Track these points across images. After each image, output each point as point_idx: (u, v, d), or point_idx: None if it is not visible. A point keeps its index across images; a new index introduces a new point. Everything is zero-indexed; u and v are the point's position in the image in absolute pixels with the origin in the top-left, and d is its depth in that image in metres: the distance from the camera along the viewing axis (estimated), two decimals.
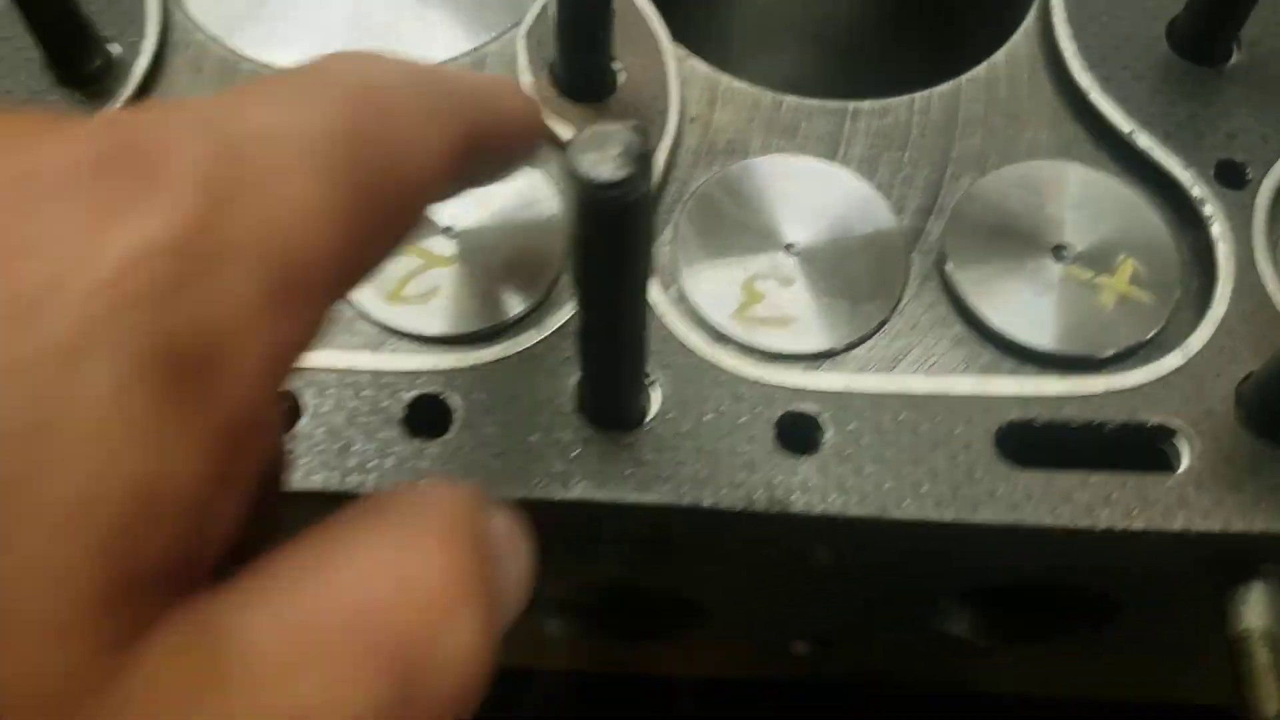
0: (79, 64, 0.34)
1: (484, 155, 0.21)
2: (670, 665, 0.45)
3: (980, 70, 0.36)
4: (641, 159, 0.20)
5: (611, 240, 0.22)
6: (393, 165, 0.17)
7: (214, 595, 0.14)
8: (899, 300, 0.32)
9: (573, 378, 0.30)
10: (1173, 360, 0.30)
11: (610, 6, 0.32)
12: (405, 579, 0.16)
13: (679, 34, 0.36)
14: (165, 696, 0.13)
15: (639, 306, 0.25)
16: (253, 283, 0.14)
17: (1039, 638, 0.36)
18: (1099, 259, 0.32)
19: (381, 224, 0.17)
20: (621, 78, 0.35)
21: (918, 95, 0.35)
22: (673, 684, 0.57)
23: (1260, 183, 0.33)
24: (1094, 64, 0.35)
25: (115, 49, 0.35)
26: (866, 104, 0.35)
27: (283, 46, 0.36)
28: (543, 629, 0.38)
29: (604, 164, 0.20)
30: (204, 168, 0.13)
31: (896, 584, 0.33)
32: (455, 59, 0.36)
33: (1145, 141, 0.33)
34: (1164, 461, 0.30)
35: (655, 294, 0.31)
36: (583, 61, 0.33)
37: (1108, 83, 0.34)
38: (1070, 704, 0.51)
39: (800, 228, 0.33)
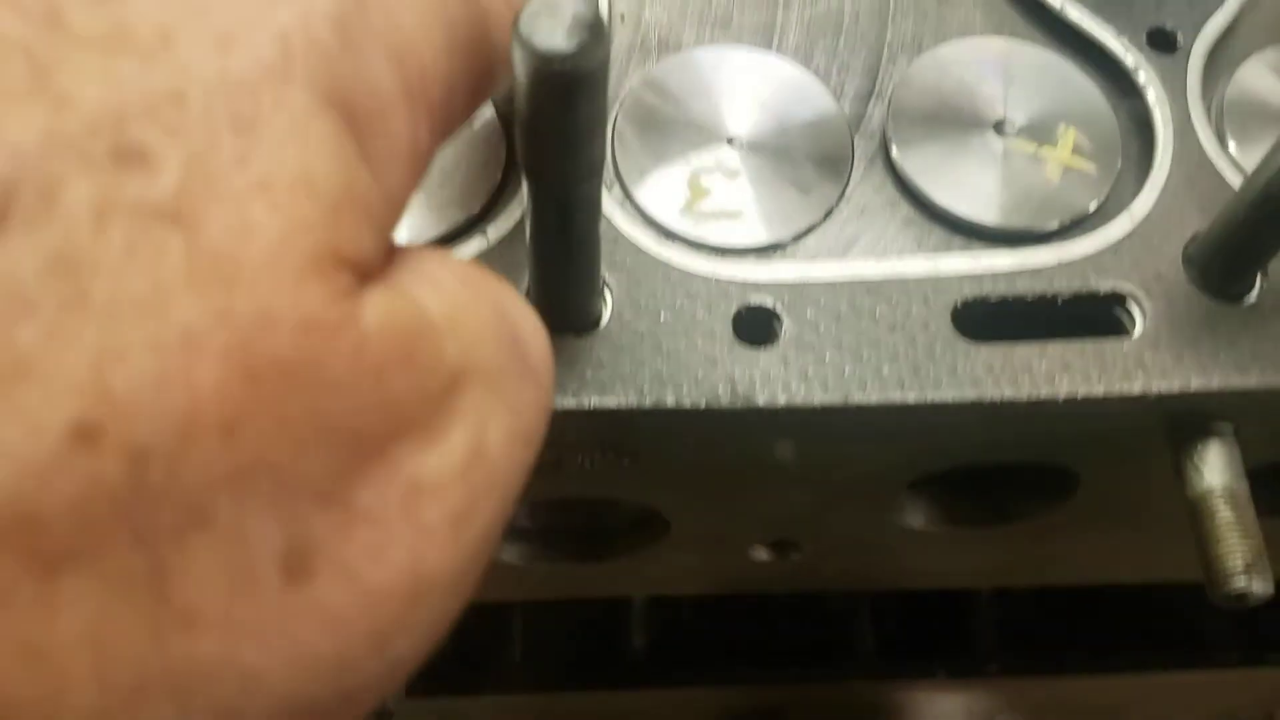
0: None
1: None
2: (628, 586, 0.45)
3: None
4: (595, 26, 0.19)
5: (565, 117, 0.21)
6: (484, 20, 0.20)
7: (395, 279, 0.16)
8: (846, 186, 0.31)
9: (522, 284, 0.29)
10: (1120, 227, 0.30)
11: None
12: (488, 276, 0.19)
13: None
14: (392, 337, 0.15)
15: (594, 192, 0.24)
16: (389, 71, 0.16)
17: (997, 520, 0.36)
18: (1040, 131, 0.32)
19: (475, 71, 0.20)
20: None
21: None
22: (624, 618, 0.57)
23: (1191, 47, 0.33)
24: None
25: None
26: None
27: None
28: (499, 556, 0.37)
29: (557, 33, 0.19)
30: None
31: (859, 474, 0.33)
32: None
33: (1076, 14, 0.33)
34: (1119, 327, 0.30)
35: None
36: None
37: None
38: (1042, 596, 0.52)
39: (741, 120, 0.32)
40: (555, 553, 0.38)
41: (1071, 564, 0.41)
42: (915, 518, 0.36)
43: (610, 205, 0.30)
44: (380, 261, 0.16)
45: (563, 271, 0.27)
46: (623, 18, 0.34)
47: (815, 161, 0.31)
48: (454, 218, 0.30)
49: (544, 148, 0.22)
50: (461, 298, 0.17)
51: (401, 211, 0.18)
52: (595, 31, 0.19)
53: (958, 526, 0.36)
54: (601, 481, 0.32)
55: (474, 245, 0.30)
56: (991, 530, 0.37)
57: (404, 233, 0.30)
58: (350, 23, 0.15)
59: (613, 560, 0.38)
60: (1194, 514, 0.29)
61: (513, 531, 0.37)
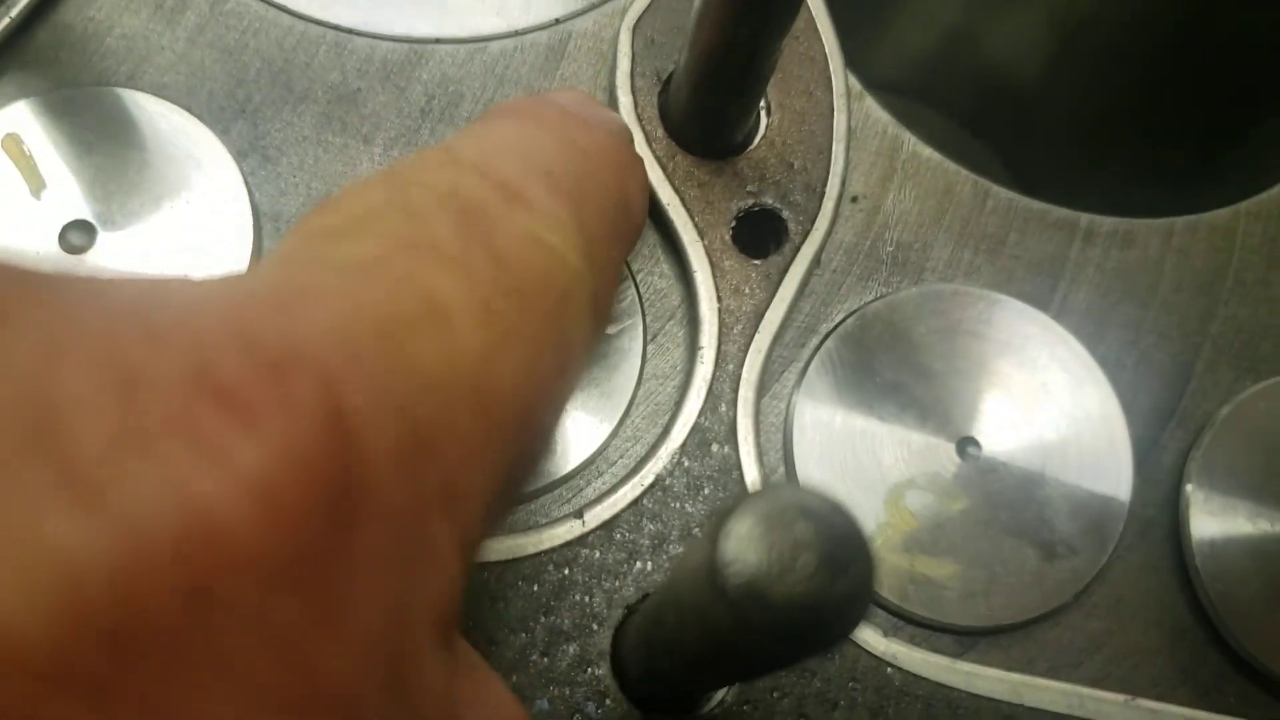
0: None
1: None
2: None
3: (1270, 196, 0.25)
4: (853, 542, 0.11)
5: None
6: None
7: None
8: (1107, 558, 0.22)
9: None
10: None
11: (778, 51, 0.20)
12: None
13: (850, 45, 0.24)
14: None
15: None
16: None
17: None
18: None
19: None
20: (763, 125, 0.23)
21: (1179, 220, 0.24)
22: None
23: None
24: None
25: None
26: (1107, 222, 0.24)
27: None
28: None
29: (790, 571, 0.11)
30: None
31: None
32: (532, 28, 0.24)
33: None
34: None
35: (752, 478, 0.21)
36: (720, 114, 0.22)
37: None
38: None
39: (987, 416, 0.22)
40: None
41: None
42: None
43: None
44: None
45: None
46: (855, 199, 0.24)
47: (1073, 511, 0.22)
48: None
49: None
50: None
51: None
52: (857, 552, 0.10)
53: None
54: None
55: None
56: None
57: None
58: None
59: None
60: None
61: None
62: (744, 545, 0.12)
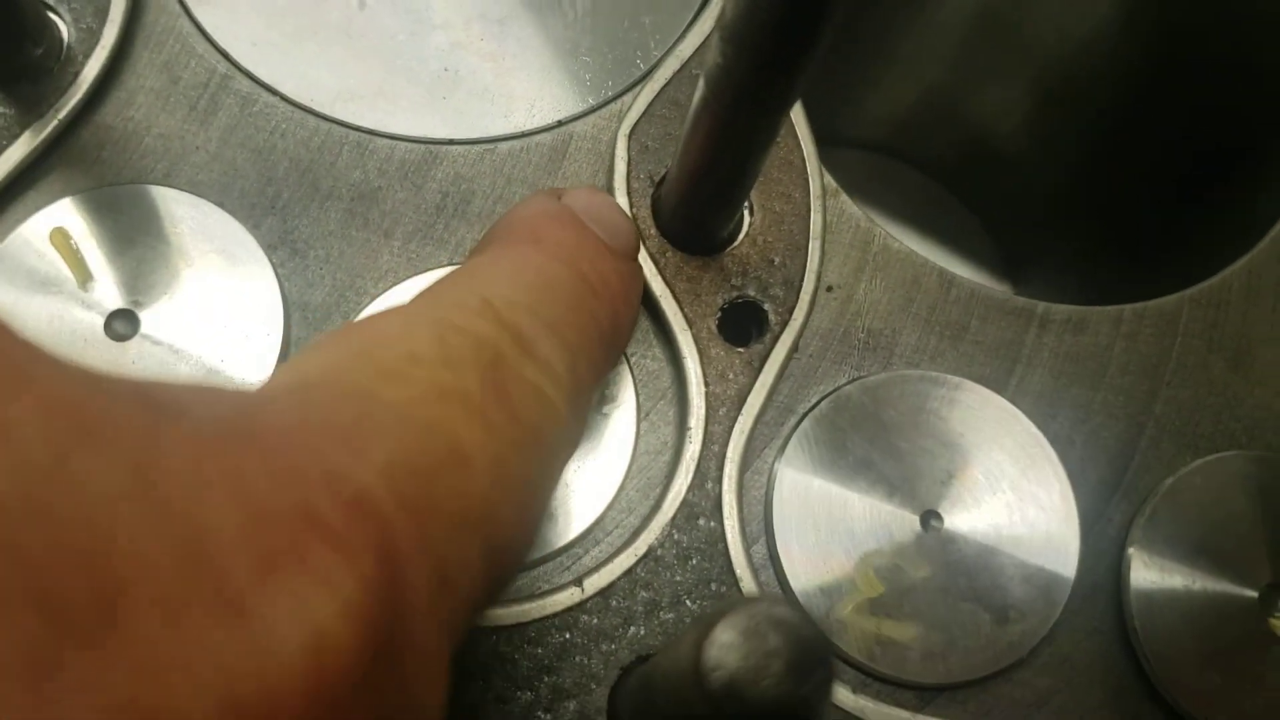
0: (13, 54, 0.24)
1: None
2: None
3: (1212, 285, 0.27)
4: (818, 652, 0.13)
5: None
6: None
7: None
8: (1052, 624, 0.24)
9: None
10: None
11: (758, 170, 0.22)
12: None
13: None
14: None
15: None
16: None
17: None
18: None
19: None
20: (746, 224, 0.25)
21: (1128, 308, 0.27)
22: None
23: None
24: None
25: (64, 31, 0.25)
26: (1061, 310, 0.26)
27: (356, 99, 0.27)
28: None
29: (768, 674, 0.13)
30: None
31: None
32: (537, 130, 0.26)
33: None
34: None
35: (736, 551, 0.23)
36: (706, 220, 0.24)
37: None
38: None
39: (948, 492, 0.24)
40: None
41: None
42: None
43: (742, 565, 0.23)
44: None
45: None
46: (831, 289, 0.26)
47: (1025, 579, 0.24)
48: None
49: None
50: None
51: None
52: (820, 660, 0.13)
53: None
54: None
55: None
56: None
57: None
58: None
59: None
60: None
61: None
62: (725, 652, 0.14)
